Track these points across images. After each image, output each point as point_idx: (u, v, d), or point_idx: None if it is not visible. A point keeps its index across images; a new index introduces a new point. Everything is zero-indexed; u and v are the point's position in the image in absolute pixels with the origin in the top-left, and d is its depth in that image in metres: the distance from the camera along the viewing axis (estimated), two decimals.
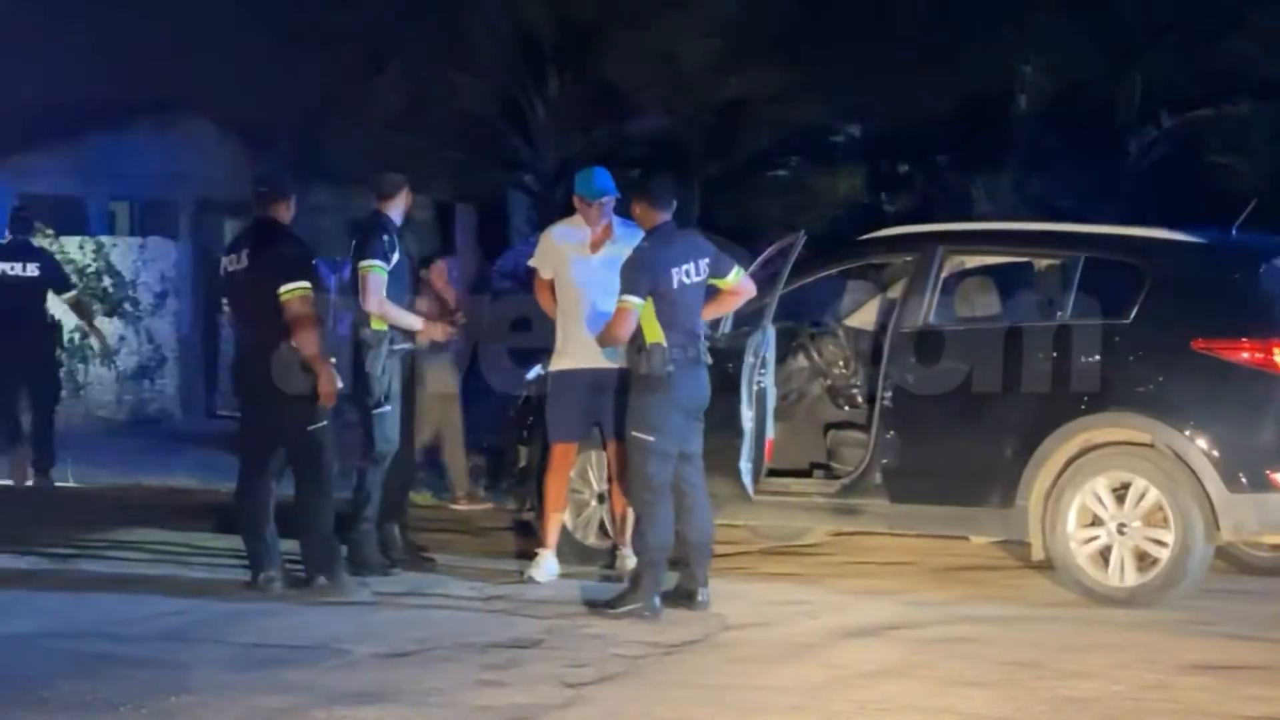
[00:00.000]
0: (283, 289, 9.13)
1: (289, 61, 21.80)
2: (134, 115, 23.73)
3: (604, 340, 9.10)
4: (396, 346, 9.89)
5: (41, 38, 22.37)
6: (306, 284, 9.17)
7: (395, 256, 9.83)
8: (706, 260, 9.07)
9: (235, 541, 10.99)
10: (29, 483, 14.33)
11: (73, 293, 15.31)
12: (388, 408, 9.81)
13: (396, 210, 10.02)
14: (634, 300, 8.82)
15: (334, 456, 9.41)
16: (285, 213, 9.50)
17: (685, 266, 8.97)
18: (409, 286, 10.21)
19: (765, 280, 10.04)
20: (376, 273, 9.74)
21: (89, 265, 19.89)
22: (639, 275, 8.87)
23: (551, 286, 9.96)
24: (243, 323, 9.68)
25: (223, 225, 23.49)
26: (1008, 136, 21.24)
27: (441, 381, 12.98)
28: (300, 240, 9.48)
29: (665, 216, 9.07)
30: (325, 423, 9.30)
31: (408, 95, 23.38)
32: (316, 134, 21.87)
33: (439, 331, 10.30)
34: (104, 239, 20.59)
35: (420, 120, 23.07)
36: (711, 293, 9.18)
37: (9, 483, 14.40)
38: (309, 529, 9.38)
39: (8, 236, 14.80)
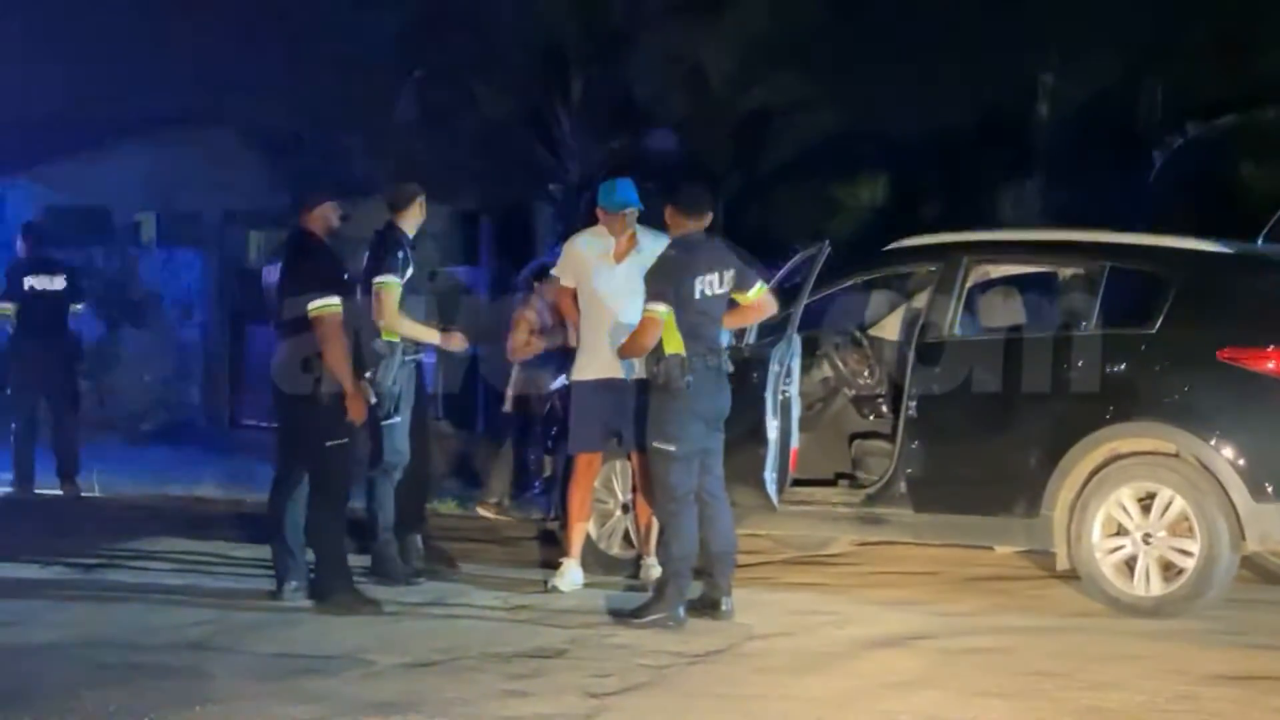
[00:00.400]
0: (311, 305, 9.05)
1: (313, 72, 21.84)
2: (160, 126, 23.80)
3: (628, 351, 9.10)
4: (407, 358, 9.87)
5: (68, 48, 22.45)
6: (335, 300, 9.07)
7: (409, 270, 9.82)
8: (732, 272, 9.07)
9: (259, 551, 11.03)
10: (66, 492, 14.43)
11: (81, 305, 15.36)
12: (397, 419, 9.78)
13: (410, 222, 10.00)
14: (660, 309, 8.81)
15: (350, 474, 9.31)
16: (319, 223, 9.35)
17: (710, 277, 8.96)
18: (422, 297, 10.15)
19: (790, 290, 10.05)
20: (390, 288, 9.73)
21: (116, 276, 19.96)
22: (664, 283, 8.87)
23: (574, 295, 9.97)
24: (277, 333, 9.62)
25: (248, 236, 23.54)
26: (1031, 145, 21.19)
27: (537, 388, 12.85)
28: (331, 254, 9.32)
29: (695, 225, 9.07)
30: (345, 440, 9.20)
31: (431, 105, 23.41)
32: (339, 144, 21.89)
33: (456, 341, 10.26)
34: (131, 249, 20.66)
35: (443, 130, 23.10)
36: (731, 304, 9.18)
37: (57, 492, 14.51)
38: (315, 543, 9.35)
39: (27, 250, 14.85)
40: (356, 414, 9.10)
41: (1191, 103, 20.88)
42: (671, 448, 8.86)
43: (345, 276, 9.29)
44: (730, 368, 9.12)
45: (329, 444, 9.18)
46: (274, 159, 23.35)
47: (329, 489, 9.25)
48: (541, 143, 24.06)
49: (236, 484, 14.87)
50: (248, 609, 9.38)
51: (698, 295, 8.91)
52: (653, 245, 9.71)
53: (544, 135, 24.02)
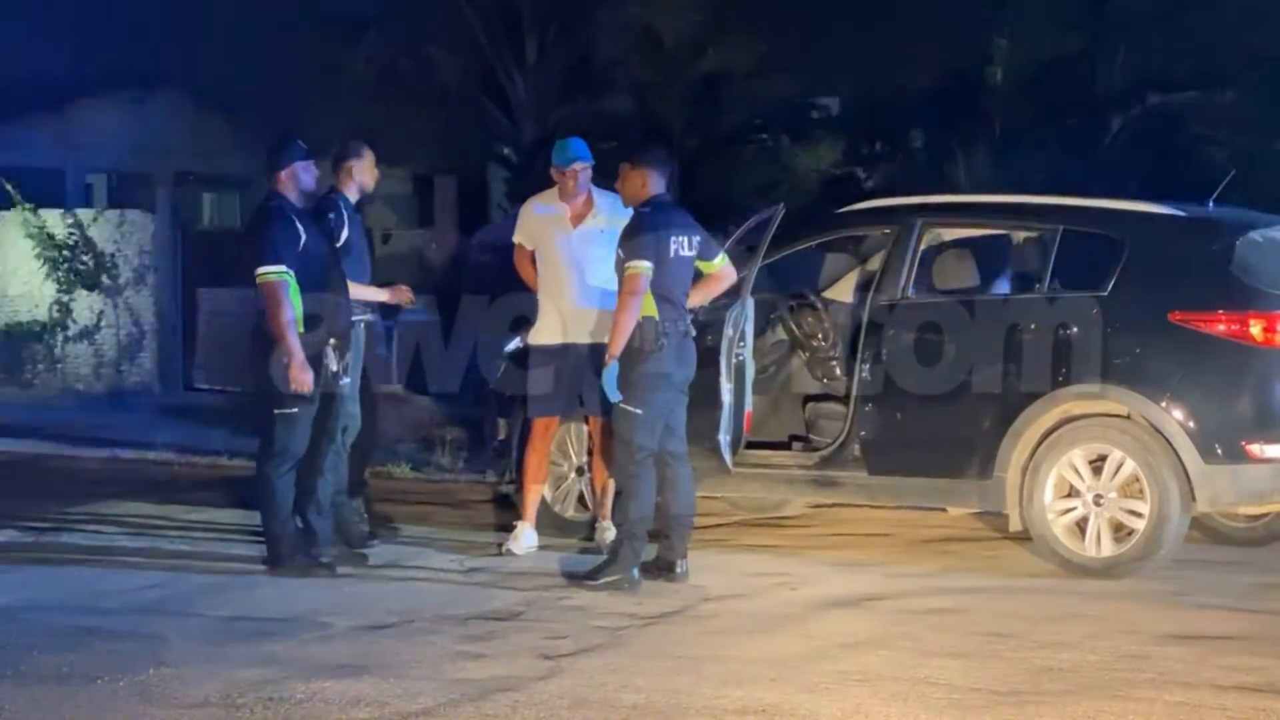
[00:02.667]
0: (258, 271, 8.92)
1: (267, 33, 21.73)
2: (111, 87, 23.64)
3: (624, 321, 8.82)
4: (355, 318, 9.67)
5: (19, 9, 22.28)
6: (280, 267, 8.90)
7: (345, 233, 9.72)
8: (698, 238, 9.09)
9: (213, 514, 11.03)
10: None
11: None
12: (346, 380, 9.59)
13: (354, 184, 9.89)
14: (643, 264, 8.79)
15: (299, 443, 9.14)
16: (289, 184, 9.16)
17: (681, 238, 8.98)
18: (367, 259, 10.07)
19: (744, 253, 10.05)
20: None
21: (68, 238, 19.85)
22: (643, 240, 8.84)
23: (532, 258, 9.95)
24: (245, 298, 9.41)
25: (201, 198, 23.42)
26: (985, 110, 21.24)
27: None
28: (288, 219, 9.07)
29: (662, 187, 9.07)
30: (296, 410, 9.04)
31: (386, 68, 23.32)
32: (294, 106, 21.78)
33: (403, 295, 10.17)
34: (82, 212, 20.54)
35: (399, 93, 23.01)
36: (695, 276, 9.19)
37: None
38: (263, 508, 9.27)
39: None
40: (298, 383, 8.91)
41: (1144, 71, 20.96)
42: (639, 410, 8.86)
43: (302, 242, 9.05)
44: (694, 332, 9.14)
45: (277, 411, 9.07)
46: (228, 121, 23.24)
47: (271, 455, 9.14)
48: (496, 105, 24.01)
49: (190, 447, 14.82)
50: (201, 572, 9.36)
51: (672, 254, 8.91)
52: (610, 209, 9.70)
53: (498, 98, 23.98)
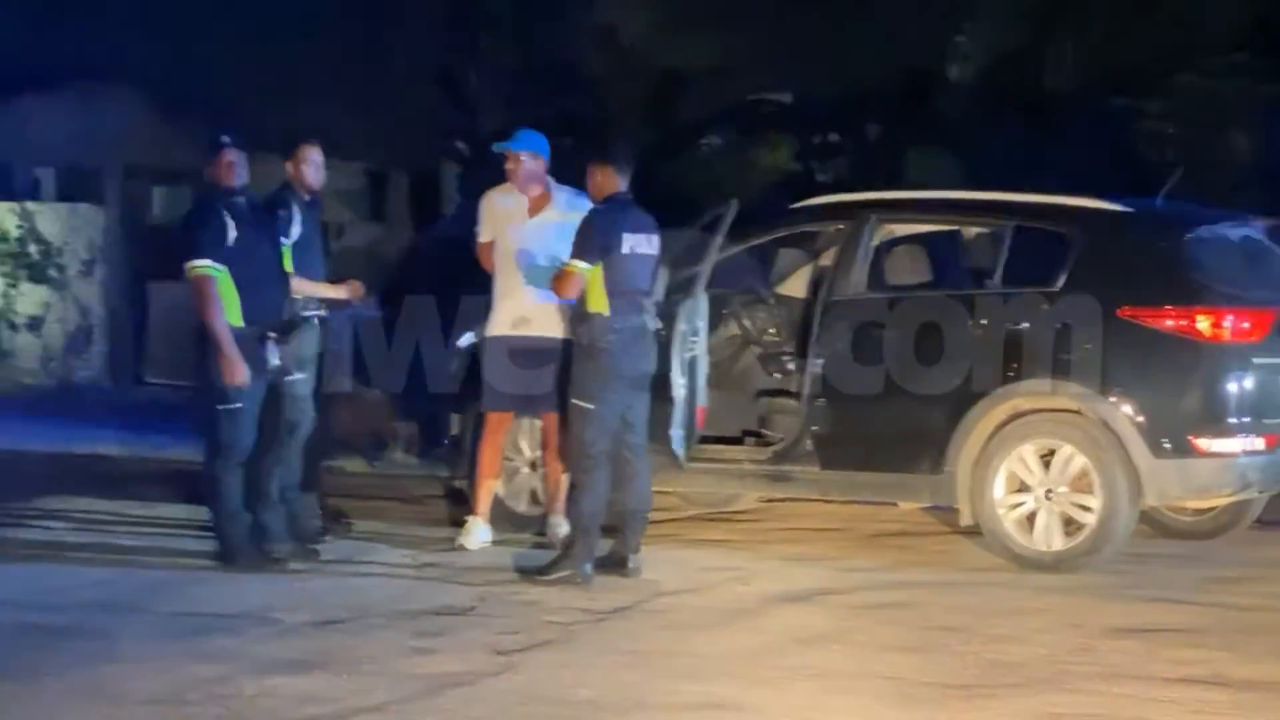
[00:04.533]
0: (188, 265, 8.91)
1: (219, 27, 21.61)
2: (60, 81, 23.46)
3: (554, 290, 9.02)
4: (308, 313, 9.74)
5: None
6: (207, 261, 8.88)
7: (296, 229, 9.70)
8: (657, 239, 9.11)
9: (163, 509, 10.98)
10: None
11: None
12: (300, 375, 9.59)
13: (304, 178, 9.85)
14: (580, 265, 8.81)
15: (244, 438, 9.11)
16: (220, 176, 9.12)
17: (639, 236, 8.98)
18: (320, 255, 10.05)
19: (698, 248, 10.06)
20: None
21: (15, 231, 19.71)
22: (591, 240, 8.86)
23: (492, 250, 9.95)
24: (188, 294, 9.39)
25: (150, 192, 23.27)
26: (940, 106, 21.29)
27: None
28: (217, 213, 9.02)
29: (623, 185, 9.09)
30: (238, 405, 9.01)
31: (340, 62, 23.23)
32: (247, 101, 21.67)
33: (354, 290, 10.12)
34: (31, 205, 20.40)
35: (351, 87, 22.92)
36: None
37: None
38: (212, 503, 9.25)
39: None
40: (229, 378, 8.88)
41: (1100, 66, 21.05)
42: (591, 406, 8.86)
43: (233, 236, 9.00)
44: (657, 325, 9.14)
45: (219, 407, 9.04)
46: (179, 115, 23.10)
47: (217, 452, 9.12)
48: (451, 101, 23.95)
49: (140, 442, 14.75)
50: (151, 567, 9.32)
51: (626, 250, 8.91)
52: (567, 203, 9.71)
53: (453, 93, 23.92)
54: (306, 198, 9.85)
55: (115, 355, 20.12)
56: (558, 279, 8.91)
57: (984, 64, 21.12)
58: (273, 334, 9.16)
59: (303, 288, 9.62)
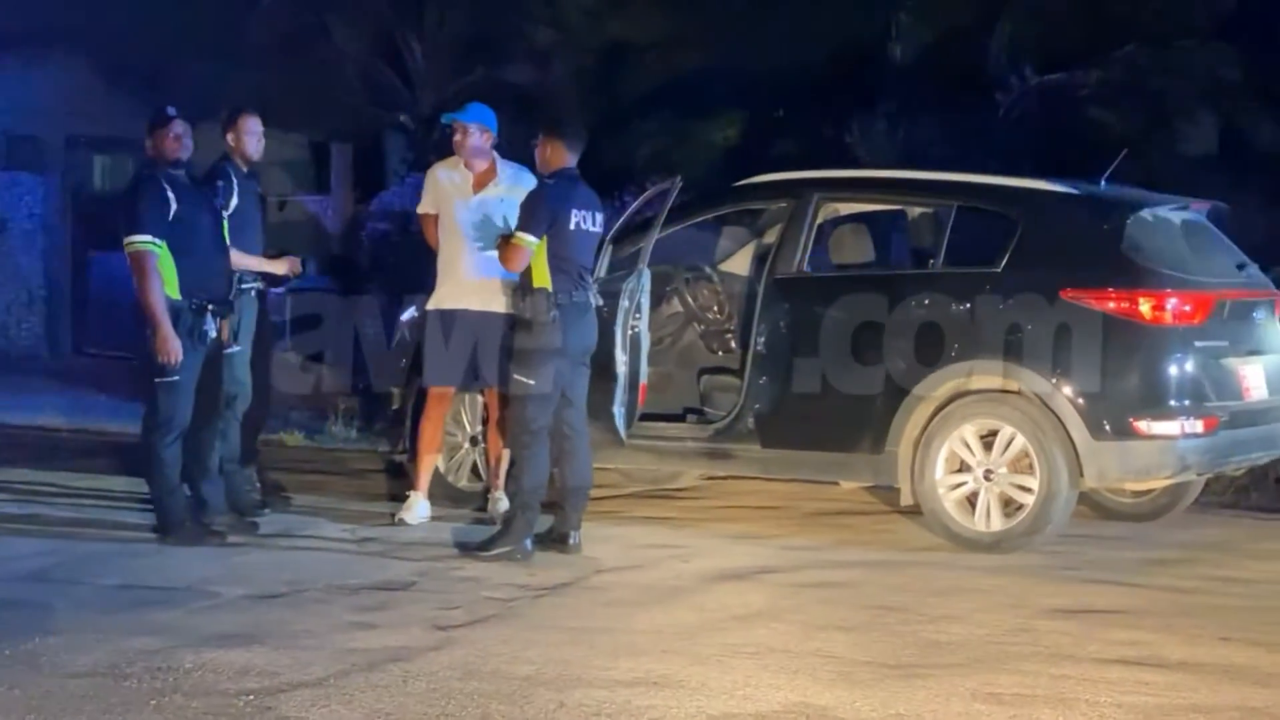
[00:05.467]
0: (126, 240, 8.87)
1: None
2: (2, 48, 23.26)
3: (502, 262, 8.98)
4: (245, 285, 9.66)
5: None
6: (147, 236, 8.83)
7: (234, 202, 9.63)
8: (602, 216, 9.10)
9: (101, 481, 10.91)
10: None
11: None
12: (237, 348, 9.55)
13: (243, 149, 9.78)
14: (527, 238, 8.79)
15: (182, 411, 9.05)
16: (162, 150, 9.06)
17: (585, 213, 8.97)
18: (258, 228, 9.98)
19: (641, 224, 10.05)
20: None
21: None
22: (538, 214, 8.84)
23: (436, 224, 9.92)
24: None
25: (93, 161, 23.12)
26: (883, 85, 21.33)
27: None
28: (158, 187, 8.96)
29: (573, 161, 9.07)
30: (176, 378, 8.95)
31: (283, 33, 23.09)
32: (189, 71, 21.52)
33: (286, 266, 10.05)
34: None
35: (294, 58, 22.79)
36: None
37: None
38: (150, 477, 9.20)
39: None
40: (164, 353, 8.84)
41: (1043, 46, 21.11)
42: (532, 382, 8.85)
43: (174, 210, 8.94)
44: (599, 302, 9.13)
45: (158, 380, 8.98)
46: (121, 85, 22.93)
47: (155, 425, 9.07)
48: (394, 73, 23.85)
49: (78, 413, 14.65)
50: (90, 540, 9.27)
51: (572, 225, 8.89)
52: (512, 178, 9.70)
53: (396, 65, 23.82)
54: (245, 169, 9.80)
55: (54, 325, 19.98)
56: (504, 250, 8.88)
57: (928, 42, 21.17)
58: (212, 306, 9.11)
59: (241, 262, 9.56)
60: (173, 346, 8.86)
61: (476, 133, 9.76)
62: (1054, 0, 20.53)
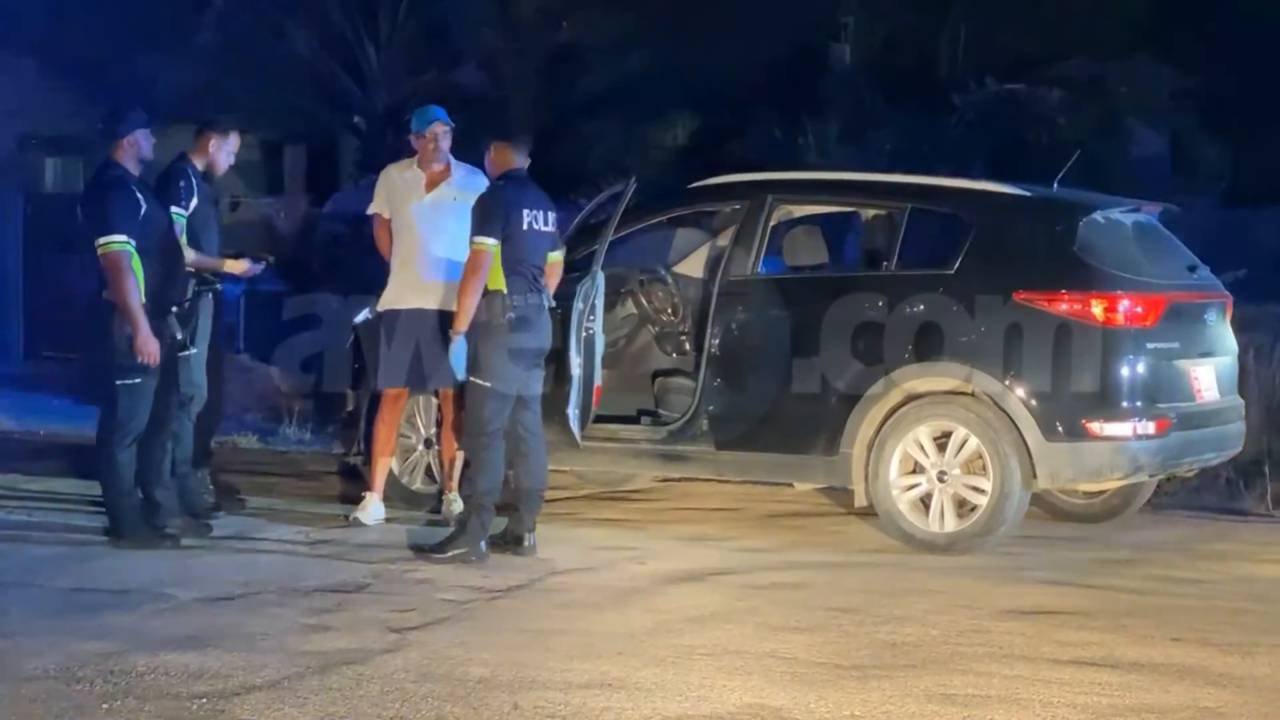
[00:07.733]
0: (98, 242, 8.83)
1: None
2: None
3: (469, 292, 8.78)
4: (203, 286, 9.65)
5: None
6: (121, 237, 8.81)
7: (193, 202, 9.62)
8: (554, 216, 9.10)
9: (53, 484, 10.84)
10: None
11: None
12: (193, 350, 9.49)
13: (208, 158, 9.76)
14: (487, 241, 8.77)
15: (142, 414, 9.02)
16: (128, 153, 9.08)
17: (536, 212, 8.96)
18: (215, 229, 9.94)
19: (595, 226, 10.06)
20: (174, 219, 9.51)
21: None
22: (492, 215, 8.82)
23: (389, 226, 9.90)
24: (85, 266, 9.29)
25: (44, 162, 22.96)
26: (834, 88, 21.40)
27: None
28: (128, 187, 8.98)
29: (521, 162, 9.06)
30: (139, 380, 8.93)
31: (235, 33, 23.02)
32: (141, 71, 21.43)
33: (240, 266, 10.03)
34: None
35: (247, 58, 22.73)
36: None
37: None
38: (104, 479, 9.15)
39: None
40: (144, 354, 8.83)
41: (993, 50, 21.23)
42: (488, 384, 8.83)
43: (142, 211, 8.96)
44: (552, 303, 9.12)
45: (119, 383, 8.96)
46: (72, 85, 22.79)
47: (113, 428, 9.03)
48: (348, 74, 23.81)
49: (30, 416, 14.56)
50: (41, 543, 9.22)
51: (525, 226, 8.88)
52: (465, 179, 9.70)
53: (350, 66, 23.78)
54: (202, 170, 9.77)
55: (4, 327, 19.84)
56: (470, 258, 8.82)
57: (878, 45, 21.26)
58: (174, 307, 9.09)
59: (198, 262, 9.54)
60: (153, 348, 8.85)
61: (443, 133, 9.79)
62: (1003, 3, 20.65)
